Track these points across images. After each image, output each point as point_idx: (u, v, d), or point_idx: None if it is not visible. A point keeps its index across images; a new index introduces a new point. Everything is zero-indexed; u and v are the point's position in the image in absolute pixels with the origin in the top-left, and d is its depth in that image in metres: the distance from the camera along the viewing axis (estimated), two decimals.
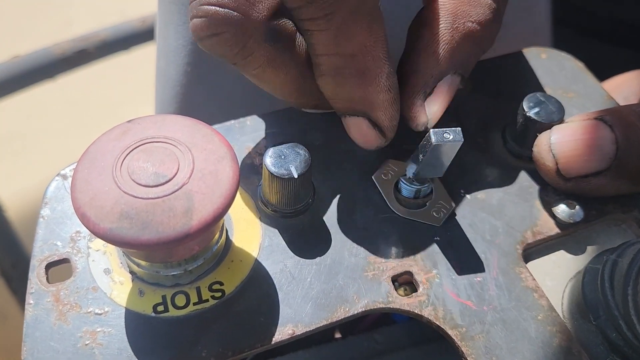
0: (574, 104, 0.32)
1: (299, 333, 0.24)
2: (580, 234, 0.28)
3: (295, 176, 0.25)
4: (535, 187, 0.29)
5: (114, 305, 0.24)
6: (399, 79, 0.26)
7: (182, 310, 0.24)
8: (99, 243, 0.26)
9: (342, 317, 0.24)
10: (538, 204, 0.28)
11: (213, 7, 0.23)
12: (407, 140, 0.29)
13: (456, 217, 0.28)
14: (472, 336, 0.24)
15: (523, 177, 0.29)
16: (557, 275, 0.27)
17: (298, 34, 0.25)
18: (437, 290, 0.25)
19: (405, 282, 0.26)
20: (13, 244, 0.73)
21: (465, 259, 0.26)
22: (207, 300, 0.24)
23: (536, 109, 0.28)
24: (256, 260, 0.26)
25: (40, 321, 0.23)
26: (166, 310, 0.24)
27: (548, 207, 0.28)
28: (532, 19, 0.42)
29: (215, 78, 0.38)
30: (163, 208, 0.21)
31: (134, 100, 1.13)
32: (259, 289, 0.25)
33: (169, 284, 0.25)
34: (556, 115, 0.28)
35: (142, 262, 0.24)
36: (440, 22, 0.26)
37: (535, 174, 0.29)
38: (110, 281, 0.25)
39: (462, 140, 0.24)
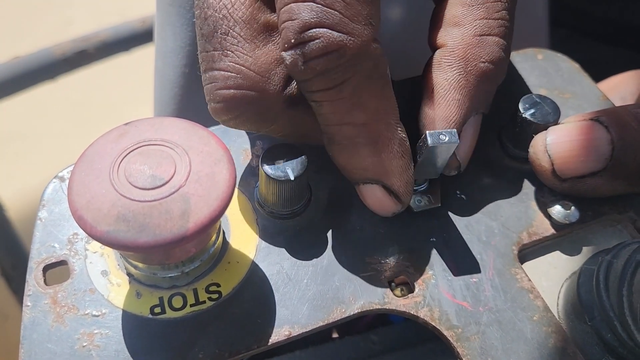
0: (570, 104, 0.32)
1: (296, 334, 0.24)
2: (575, 235, 0.28)
3: (292, 178, 0.25)
4: (531, 188, 0.29)
5: (111, 307, 0.24)
6: (420, 129, 0.26)
7: (179, 312, 0.24)
8: (96, 245, 0.26)
9: (339, 318, 0.24)
10: (534, 204, 0.28)
11: (230, 91, 0.23)
12: None
13: (452, 218, 0.28)
14: (468, 337, 0.24)
15: (519, 178, 0.29)
16: (552, 276, 0.27)
17: None
18: (433, 291, 0.25)
19: (401, 283, 0.26)
20: (14, 244, 0.73)
21: (461, 260, 0.26)
22: (204, 302, 0.24)
23: (532, 110, 0.28)
24: (253, 261, 0.26)
25: (37, 323, 0.24)
26: (163, 311, 0.24)
27: (544, 207, 0.28)
28: (529, 20, 0.42)
29: None
30: (160, 211, 0.21)
31: (134, 101, 1.13)
32: (256, 291, 0.25)
33: (166, 285, 0.25)
34: (552, 116, 0.28)
35: (139, 264, 0.24)
36: (454, 68, 0.26)
37: (531, 175, 0.29)
38: (107, 283, 0.25)
39: (458, 141, 0.24)
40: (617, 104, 0.34)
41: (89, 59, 0.69)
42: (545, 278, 0.27)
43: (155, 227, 0.20)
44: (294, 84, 0.24)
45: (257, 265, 0.26)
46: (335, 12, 0.22)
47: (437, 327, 0.24)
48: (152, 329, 0.24)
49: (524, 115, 0.28)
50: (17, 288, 0.73)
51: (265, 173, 0.25)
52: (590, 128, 0.27)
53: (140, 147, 0.22)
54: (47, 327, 0.23)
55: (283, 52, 0.23)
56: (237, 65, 0.23)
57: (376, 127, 0.24)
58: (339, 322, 0.24)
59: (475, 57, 0.26)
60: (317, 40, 0.22)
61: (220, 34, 0.23)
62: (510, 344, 0.24)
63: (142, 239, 0.20)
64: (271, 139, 0.29)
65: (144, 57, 0.80)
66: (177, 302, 0.24)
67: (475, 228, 0.27)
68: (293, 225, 0.27)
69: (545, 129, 0.28)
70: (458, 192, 0.29)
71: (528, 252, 0.27)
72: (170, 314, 0.24)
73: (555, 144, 0.27)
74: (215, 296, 0.25)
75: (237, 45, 0.23)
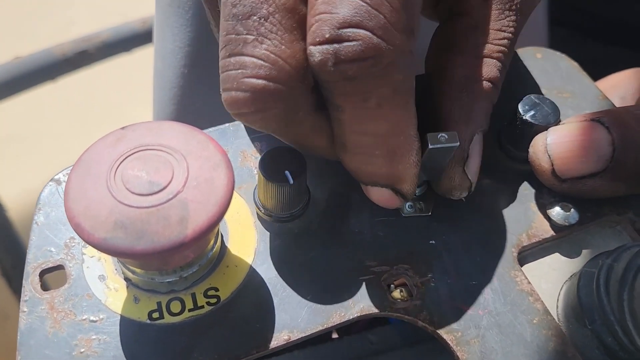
0: (569, 104, 0.32)
1: (295, 339, 0.24)
2: (574, 236, 0.28)
3: (291, 182, 0.24)
4: (530, 190, 0.29)
5: (109, 312, 0.24)
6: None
7: (177, 317, 0.24)
8: (93, 249, 0.26)
9: (338, 323, 0.24)
10: (533, 206, 0.28)
11: (261, 81, 0.21)
12: None
13: (452, 221, 0.27)
14: (468, 341, 0.24)
15: (518, 179, 0.29)
16: (552, 278, 0.27)
17: None
18: (433, 295, 0.25)
19: (401, 285, 0.26)
20: (14, 244, 0.72)
21: (460, 263, 0.26)
22: (202, 307, 0.24)
23: (532, 112, 0.28)
24: (251, 265, 0.26)
25: (34, 329, 0.23)
26: (161, 316, 0.24)
27: (543, 209, 0.28)
28: (529, 19, 0.42)
29: (212, 80, 0.37)
30: (158, 217, 0.21)
31: (135, 101, 1.11)
32: (255, 295, 0.25)
33: (164, 290, 0.24)
34: (552, 117, 0.28)
35: (137, 270, 0.24)
36: (454, 90, 0.26)
37: (530, 176, 0.29)
38: (105, 288, 0.25)
39: (458, 143, 0.24)
40: (617, 102, 0.34)
41: (89, 60, 0.68)
42: (544, 280, 0.27)
43: (153, 234, 0.20)
44: None
45: (255, 270, 0.26)
46: (380, 16, 0.20)
47: (437, 331, 0.24)
48: (150, 334, 0.24)
49: (524, 117, 0.27)
50: (18, 288, 0.72)
51: (263, 177, 0.25)
52: (591, 128, 0.26)
53: (138, 152, 0.22)
54: (45, 333, 0.23)
55: (311, 47, 0.21)
56: (272, 55, 0.21)
57: (396, 140, 0.23)
58: (338, 326, 0.24)
59: (475, 78, 0.26)
60: (354, 42, 0.20)
61: (258, 17, 0.21)
62: (510, 348, 0.24)
63: (140, 246, 0.20)
64: (270, 141, 0.29)
65: (144, 58, 0.79)
66: (176, 306, 0.24)
67: (474, 230, 0.27)
68: (292, 228, 0.27)
69: (546, 130, 0.27)
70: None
71: (527, 254, 0.27)
72: (168, 319, 0.24)
73: (556, 144, 0.27)
74: (213, 301, 0.24)
75: (276, 34, 0.21)
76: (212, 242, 0.24)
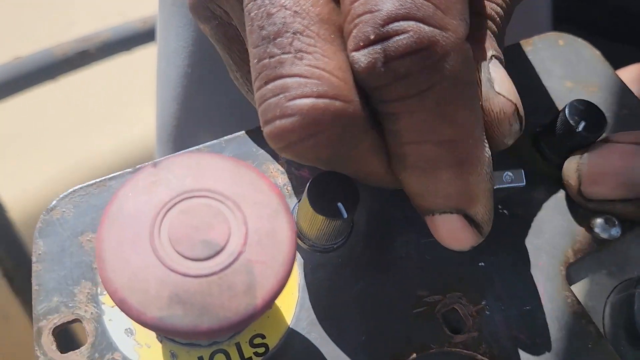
0: (596, 99, 0.31)
1: None
2: (613, 249, 0.27)
3: (345, 217, 0.22)
4: (571, 200, 0.28)
5: None
6: None
7: None
8: None
9: None
10: (575, 217, 0.27)
11: (309, 100, 0.18)
12: None
13: (499, 238, 0.26)
14: None
15: (557, 187, 0.28)
16: (595, 295, 0.26)
17: None
18: (489, 324, 0.24)
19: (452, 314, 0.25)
20: (15, 245, 0.70)
21: (512, 287, 0.25)
22: (250, 358, 0.22)
23: (583, 123, 0.26)
24: (297, 303, 0.23)
25: None
26: None
27: (586, 222, 0.27)
28: (532, 14, 0.40)
29: (216, 79, 0.33)
30: (221, 287, 0.17)
31: (136, 101, 1.08)
32: (305, 339, 0.23)
33: (205, 343, 0.22)
34: (602, 125, 0.26)
35: None
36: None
37: None
38: (134, 344, 0.21)
39: (524, 183, 0.22)
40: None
41: (90, 60, 0.65)
42: (589, 298, 0.26)
43: (218, 308, 0.17)
44: None
45: (301, 309, 0.23)
46: (428, 3, 0.18)
47: None
48: None
49: (578, 130, 0.26)
50: (19, 288, 0.71)
51: (313, 209, 0.22)
52: (632, 153, 0.25)
53: (181, 200, 0.19)
54: None
55: (354, 53, 0.18)
56: (316, 70, 0.18)
57: (464, 146, 0.20)
58: None
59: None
60: (404, 35, 0.18)
61: (293, 33, 0.18)
62: None
63: (204, 325, 0.17)
64: None
65: (145, 58, 0.77)
66: None
67: (521, 248, 0.26)
68: (335, 257, 0.24)
69: (596, 139, 0.26)
70: (500, 206, 0.27)
71: (572, 271, 0.26)
72: None
73: (587, 164, 0.26)
74: (261, 350, 0.22)
75: (316, 47, 0.18)
76: None
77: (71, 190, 0.24)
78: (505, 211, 0.27)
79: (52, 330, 0.21)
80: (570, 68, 0.32)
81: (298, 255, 0.24)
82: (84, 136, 1.03)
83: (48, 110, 1.08)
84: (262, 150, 0.26)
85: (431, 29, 0.18)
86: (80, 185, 0.24)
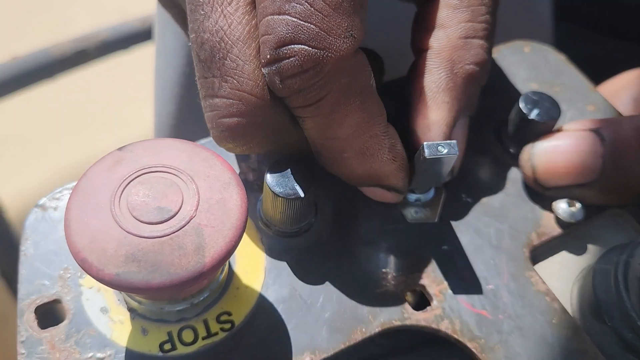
0: (561, 97, 0.32)
1: None
2: (580, 232, 0.28)
3: (302, 195, 0.23)
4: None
5: (116, 347, 0.22)
6: (413, 134, 0.25)
7: (191, 347, 0.23)
8: (90, 280, 0.24)
9: (360, 339, 0.23)
10: (539, 203, 0.28)
11: (234, 119, 0.22)
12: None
13: (462, 224, 0.27)
14: (492, 347, 0.24)
15: (521, 176, 0.29)
16: (562, 276, 0.27)
17: None
18: (451, 302, 0.25)
19: (412, 291, 0.25)
20: (13, 246, 0.71)
21: (474, 267, 0.26)
22: (216, 334, 0.23)
23: (536, 111, 0.27)
24: (263, 285, 0.24)
25: None
26: (174, 347, 0.23)
27: (549, 206, 0.28)
28: (533, 14, 0.41)
29: None
30: (172, 247, 0.19)
31: (134, 101, 1.10)
32: (270, 317, 0.24)
33: (174, 319, 0.23)
34: (555, 112, 0.27)
35: (144, 300, 0.22)
36: (440, 71, 0.25)
37: None
38: (109, 321, 0.23)
39: (457, 153, 0.23)
40: (628, 103, 0.34)
41: (88, 59, 0.67)
42: (555, 278, 0.27)
43: (169, 265, 0.19)
44: None
45: (267, 289, 0.24)
46: (312, 26, 0.20)
47: (460, 339, 0.24)
48: None
49: (530, 117, 0.27)
50: (17, 289, 0.72)
51: (272, 191, 0.23)
52: (583, 139, 0.26)
53: (140, 175, 0.21)
54: None
55: (263, 69, 0.21)
56: (237, 92, 0.22)
57: (360, 141, 0.23)
58: (361, 342, 0.23)
59: (460, 59, 0.25)
60: (292, 58, 0.20)
61: (219, 58, 0.22)
62: (533, 350, 0.24)
63: (156, 280, 0.19)
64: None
65: (143, 57, 0.79)
66: (188, 335, 0.23)
67: (484, 232, 0.27)
68: (301, 242, 0.26)
69: (551, 127, 0.27)
70: (464, 195, 0.28)
71: (537, 252, 0.27)
72: (181, 349, 0.22)
73: (539, 154, 0.27)
74: (227, 326, 0.23)
75: (236, 70, 0.22)
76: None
77: (61, 188, 0.26)
78: (469, 199, 0.28)
79: (34, 309, 0.23)
80: (536, 71, 0.34)
81: (264, 240, 0.25)
82: (81, 136, 1.02)
83: (46, 110, 1.08)
84: None
85: (315, 50, 0.20)
86: (69, 185, 0.26)
